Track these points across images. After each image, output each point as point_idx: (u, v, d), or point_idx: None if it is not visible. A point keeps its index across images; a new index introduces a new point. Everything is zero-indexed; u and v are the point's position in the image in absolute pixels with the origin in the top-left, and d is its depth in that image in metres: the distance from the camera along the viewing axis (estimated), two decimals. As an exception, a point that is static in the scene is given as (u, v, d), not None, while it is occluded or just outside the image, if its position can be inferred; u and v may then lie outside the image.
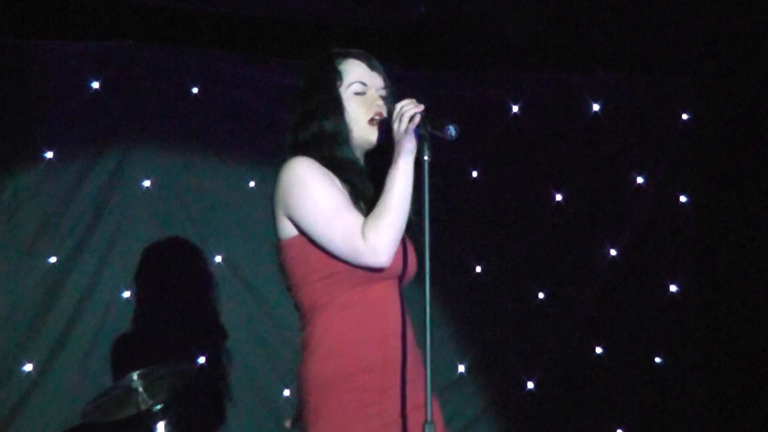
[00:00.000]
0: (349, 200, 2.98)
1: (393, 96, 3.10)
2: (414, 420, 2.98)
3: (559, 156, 5.61)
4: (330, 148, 3.03)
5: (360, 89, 3.07)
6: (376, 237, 2.88)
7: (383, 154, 3.05)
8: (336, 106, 3.05)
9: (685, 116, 5.68)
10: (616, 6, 5.34)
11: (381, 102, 3.06)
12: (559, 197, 5.58)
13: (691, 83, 5.69)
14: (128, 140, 5.14)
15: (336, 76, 3.07)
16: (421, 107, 2.92)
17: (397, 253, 3.01)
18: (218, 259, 5.21)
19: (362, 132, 3.05)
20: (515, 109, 5.54)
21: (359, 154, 3.09)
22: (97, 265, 5.07)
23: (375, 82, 3.09)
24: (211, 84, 5.23)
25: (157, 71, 5.17)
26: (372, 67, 3.10)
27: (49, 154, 5.03)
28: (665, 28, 5.47)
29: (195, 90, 5.21)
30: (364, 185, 3.05)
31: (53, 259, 5.02)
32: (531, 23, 5.46)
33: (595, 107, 5.59)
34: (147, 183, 5.14)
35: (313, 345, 2.98)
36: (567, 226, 5.59)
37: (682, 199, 5.67)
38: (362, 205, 3.01)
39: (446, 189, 5.27)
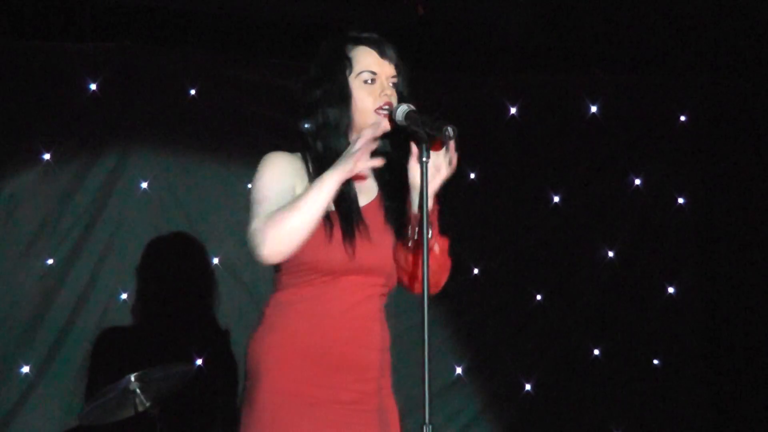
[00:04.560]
0: (286, 195, 2.95)
1: (405, 83, 3.08)
2: (350, 418, 2.96)
3: (556, 157, 5.60)
4: (328, 139, 3.02)
5: (368, 78, 3.03)
6: (264, 227, 2.88)
7: (394, 139, 3.03)
8: (342, 95, 3.02)
9: (683, 117, 5.67)
10: (614, 7, 5.34)
11: (389, 92, 3.03)
12: (556, 198, 5.58)
13: (690, 84, 5.69)
14: (126, 142, 5.14)
15: (345, 64, 3.04)
16: (385, 127, 2.91)
17: (369, 250, 2.98)
18: (216, 260, 5.21)
19: (369, 120, 3.00)
20: (513, 110, 5.54)
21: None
22: (94, 267, 5.07)
23: (385, 70, 3.05)
24: (209, 85, 5.22)
25: (154, 73, 5.17)
26: (383, 55, 3.05)
27: (47, 156, 5.03)
28: (663, 29, 5.47)
29: (193, 91, 5.20)
30: (349, 183, 3.01)
31: (50, 261, 5.02)
32: (529, 24, 5.46)
33: (593, 108, 5.59)
34: (144, 184, 5.14)
35: (261, 320, 3.03)
36: (565, 227, 5.58)
37: (680, 200, 5.67)
38: (343, 204, 2.99)
39: (444, 190, 5.26)
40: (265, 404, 2.94)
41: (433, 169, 2.91)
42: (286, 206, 2.88)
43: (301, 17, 5.30)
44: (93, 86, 5.07)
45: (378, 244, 3.01)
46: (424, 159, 2.88)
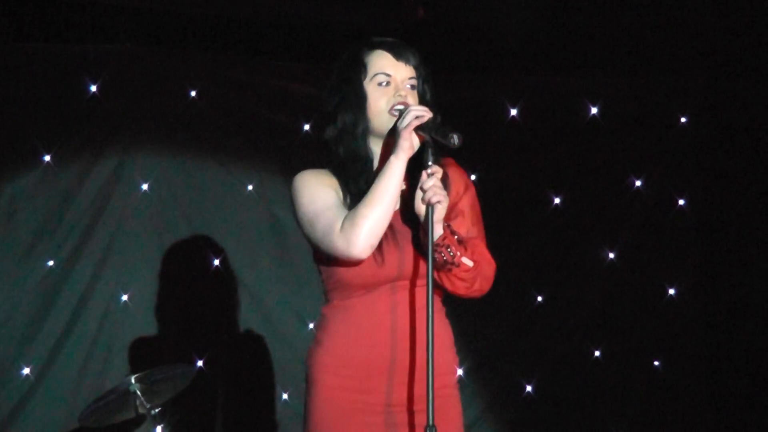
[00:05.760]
0: (339, 200, 3.03)
1: (427, 86, 3.10)
2: (399, 419, 3.01)
3: (557, 158, 5.60)
4: (348, 144, 3.05)
5: (383, 80, 3.05)
6: (351, 227, 2.94)
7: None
8: (358, 99, 3.05)
9: (683, 119, 5.67)
10: (615, 8, 5.33)
11: (405, 92, 3.05)
12: (557, 200, 5.58)
13: (690, 85, 5.69)
14: (126, 143, 5.15)
15: (360, 69, 3.06)
16: (429, 114, 2.93)
17: (397, 257, 3.02)
18: (216, 262, 5.21)
19: (384, 122, 3.04)
20: (513, 111, 5.54)
21: (381, 147, 3.10)
22: (95, 268, 5.07)
23: (401, 72, 3.07)
24: (209, 87, 5.23)
25: (155, 74, 5.18)
26: (398, 57, 3.07)
27: (47, 157, 5.04)
28: (664, 30, 5.46)
29: (193, 93, 5.21)
30: (370, 183, 3.05)
31: (51, 263, 5.02)
32: (529, 25, 5.46)
33: (594, 110, 5.59)
34: (145, 186, 5.15)
35: (315, 332, 3.14)
36: (565, 228, 5.58)
37: (681, 201, 5.67)
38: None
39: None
40: (315, 412, 3.05)
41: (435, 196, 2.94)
42: (364, 203, 2.95)
43: (301, 19, 5.29)
44: (94, 88, 5.07)
45: (405, 249, 3.04)
46: (429, 163, 2.91)
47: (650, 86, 5.69)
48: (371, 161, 3.08)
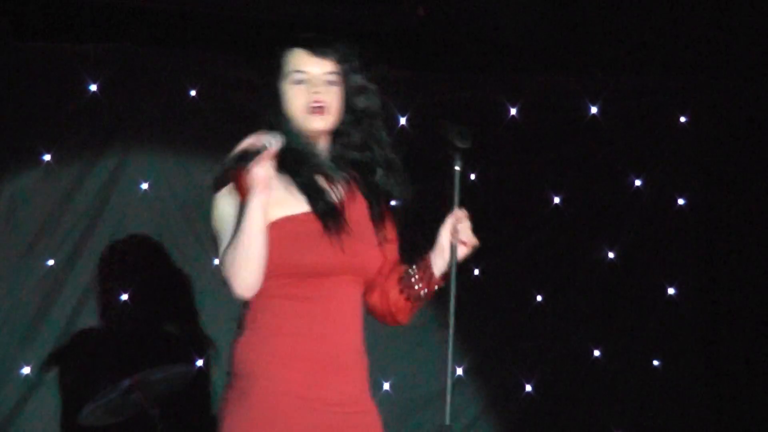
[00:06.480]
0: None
1: (356, 77, 3.03)
2: (341, 419, 2.95)
3: (557, 158, 5.60)
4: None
5: (298, 78, 2.99)
6: (223, 269, 2.94)
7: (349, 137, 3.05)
8: (275, 100, 3.00)
9: (683, 118, 5.67)
10: (615, 7, 5.34)
11: (322, 89, 2.98)
12: (557, 199, 5.58)
13: (690, 85, 5.69)
14: (126, 142, 5.15)
15: (276, 69, 3.02)
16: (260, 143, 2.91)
17: (354, 248, 2.98)
18: (216, 261, 5.20)
19: (302, 121, 2.99)
20: (513, 110, 5.54)
21: (314, 141, 3.03)
22: (95, 268, 5.07)
23: (318, 68, 2.99)
24: (209, 86, 5.23)
25: (155, 73, 5.17)
26: (315, 53, 2.99)
27: (47, 157, 5.04)
28: (664, 30, 5.47)
29: (193, 92, 5.21)
30: (309, 175, 3.01)
31: (51, 262, 5.02)
32: (529, 25, 5.46)
33: (594, 109, 5.59)
34: (145, 185, 5.15)
35: (247, 323, 2.98)
36: (565, 228, 5.58)
37: (681, 201, 5.67)
38: (309, 194, 3.00)
39: (444, 191, 5.25)
40: (261, 405, 2.90)
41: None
42: (230, 244, 2.94)
43: (301, 18, 5.30)
44: (94, 87, 5.07)
45: (359, 242, 2.99)
46: (456, 168, 3.03)
47: (650, 86, 5.69)
48: (307, 154, 3.01)
